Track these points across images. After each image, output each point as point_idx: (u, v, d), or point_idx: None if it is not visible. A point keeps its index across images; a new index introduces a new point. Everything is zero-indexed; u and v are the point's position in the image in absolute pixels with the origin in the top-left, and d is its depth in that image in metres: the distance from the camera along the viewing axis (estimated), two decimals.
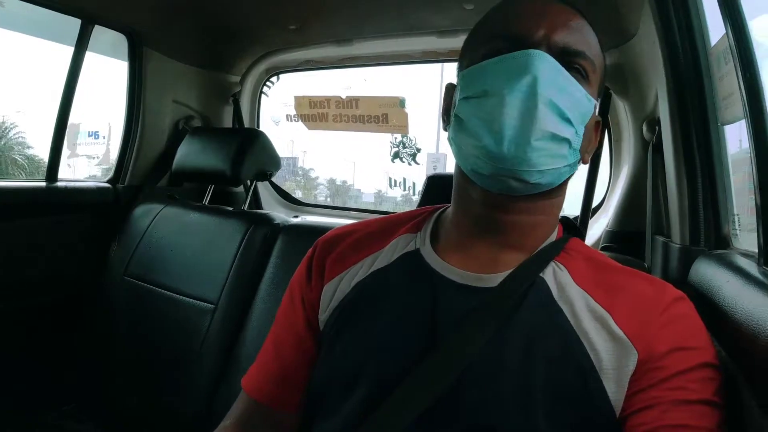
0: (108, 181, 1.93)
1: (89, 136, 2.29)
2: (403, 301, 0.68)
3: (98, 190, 1.85)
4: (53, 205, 1.71)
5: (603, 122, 1.45)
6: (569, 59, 0.63)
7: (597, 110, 0.68)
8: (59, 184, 1.73)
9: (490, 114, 0.60)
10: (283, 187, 2.38)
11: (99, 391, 1.55)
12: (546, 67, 0.60)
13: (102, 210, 1.83)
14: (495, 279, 0.65)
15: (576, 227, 0.76)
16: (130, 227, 1.73)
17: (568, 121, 0.61)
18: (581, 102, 0.63)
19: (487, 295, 0.64)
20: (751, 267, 0.73)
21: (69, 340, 1.67)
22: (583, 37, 0.65)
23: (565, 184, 0.69)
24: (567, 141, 0.62)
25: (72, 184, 1.79)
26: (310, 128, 2.42)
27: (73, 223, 1.75)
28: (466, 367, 0.60)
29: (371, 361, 0.65)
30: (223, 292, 1.45)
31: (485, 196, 0.66)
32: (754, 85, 0.74)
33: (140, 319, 1.54)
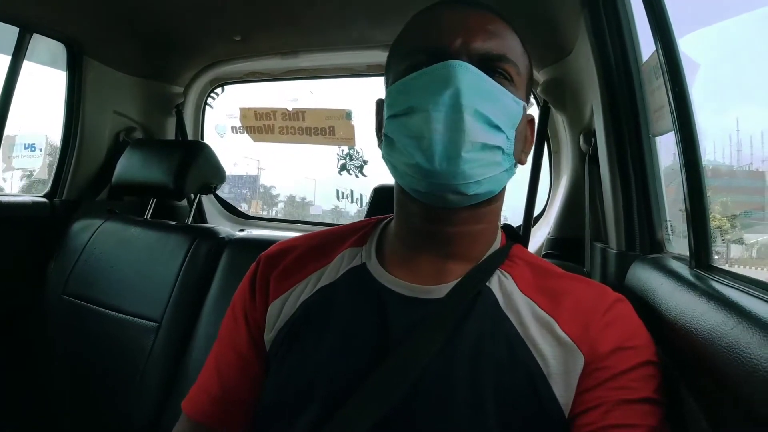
0: (44, 195, 1.84)
1: (25, 148, 2.18)
2: (351, 317, 0.67)
3: (34, 205, 1.77)
4: None
5: (542, 134, 1.52)
6: (492, 65, 0.63)
7: (526, 110, 0.68)
8: None
9: (418, 131, 0.60)
10: (251, 206, 2.33)
11: (37, 414, 1.47)
12: (467, 76, 0.60)
13: (38, 226, 1.74)
14: (442, 290, 0.66)
15: (518, 234, 0.78)
16: (68, 243, 1.66)
17: (497, 128, 0.62)
18: (509, 106, 0.63)
19: (434, 306, 0.65)
20: (683, 269, 0.77)
21: (4, 362, 1.57)
22: (504, 41, 0.65)
23: (503, 189, 0.70)
24: (499, 148, 0.62)
25: (5, 198, 1.70)
26: (255, 140, 2.39)
27: (7, 240, 1.66)
28: (417, 378, 0.60)
29: (321, 379, 0.64)
30: (167, 310, 1.41)
31: (425, 210, 0.67)
32: (682, 98, 0.79)
33: (80, 340, 1.47)
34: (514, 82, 0.65)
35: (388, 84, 0.70)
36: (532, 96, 1.75)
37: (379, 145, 0.71)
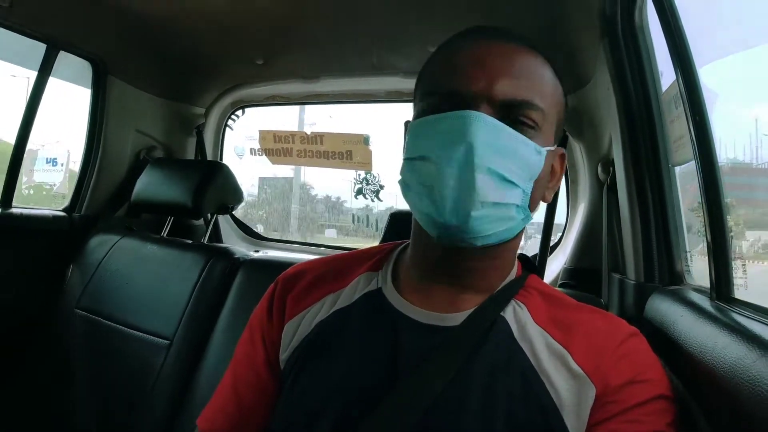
0: (64, 210, 1.87)
1: (47, 162, 2.23)
2: (365, 341, 0.67)
3: (53, 219, 1.79)
4: (6, 231, 1.65)
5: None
6: (514, 114, 0.60)
7: (552, 151, 0.66)
8: (14, 210, 1.67)
9: (430, 182, 0.60)
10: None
11: (46, 427, 1.46)
12: (483, 131, 0.58)
13: (56, 239, 1.77)
14: (457, 318, 0.65)
15: (534, 264, 0.77)
16: (85, 258, 1.68)
17: (512, 183, 0.60)
18: (528, 159, 0.61)
19: (449, 333, 0.64)
20: (704, 301, 0.76)
21: (16, 373, 1.58)
22: (532, 83, 0.62)
23: (521, 231, 0.68)
24: (512, 204, 0.61)
25: (26, 211, 1.73)
26: (274, 162, 2.42)
27: (26, 252, 1.69)
28: (430, 405, 0.59)
29: (333, 401, 0.63)
30: (179, 328, 1.41)
31: (440, 245, 0.66)
32: (702, 127, 0.78)
33: (91, 355, 1.48)
34: (540, 128, 0.62)
35: (413, 112, 0.69)
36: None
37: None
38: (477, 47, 0.64)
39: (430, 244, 0.67)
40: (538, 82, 0.63)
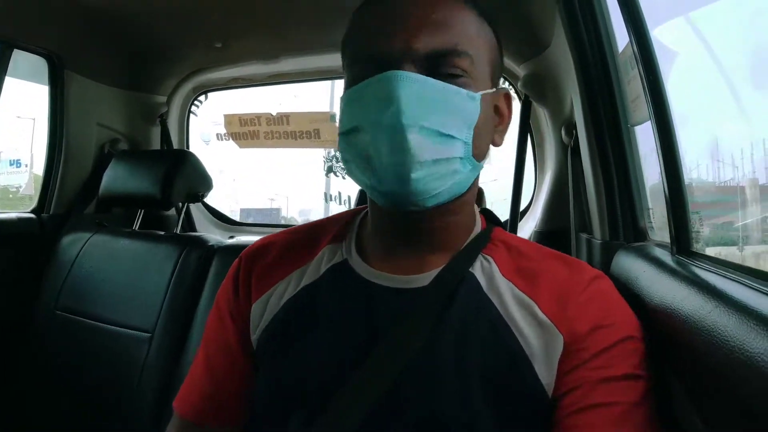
0: (32, 211, 1.83)
1: (11, 164, 2.17)
2: (338, 314, 0.67)
3: (21, 222, 1.75)
4: None
5: (524, 128, 1.53)
6: (439, 64, 0.59)
7: (495, 85, 0.66)
8: None
9: (366, 152, 0.59)
10: None
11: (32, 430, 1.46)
12: (408, 90, 0.57)
13: (26, 242, 1.73)
14: (425, 279, 0.66)
15: (497, 217, 0.77)
16: (58, 258, 1.65)
17: (450, 137, 0.59)
18: (462, 107, 0.60)
19: (418, 294, 0.65)
20: (665, 256, 0.78)
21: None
22: (453, 29, 0.61)
23: (475, 180, 0.68)
24: (454, 158, 0.60)
25: None
26: (241, 146, 2.39)
27: None
28: (405, 365, 0.60)
29: (313, 377, 0.64)
30: (159, 320, 1.40)
31: (396, 211, 0.66)
32: (656, 87, 0.80)
33: (74, 354, 1.47)
34: (470, 73, 0.61)
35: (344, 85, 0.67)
36: (509, 87, 1.77)
37: None
38: (391, 3, 0.62)
39: (386, 211, 0.67)
40: (461, 26, 0.62)
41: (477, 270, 0.67)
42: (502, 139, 0.70)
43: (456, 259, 0.67)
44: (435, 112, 0.58)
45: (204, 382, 0.75)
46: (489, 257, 0.68)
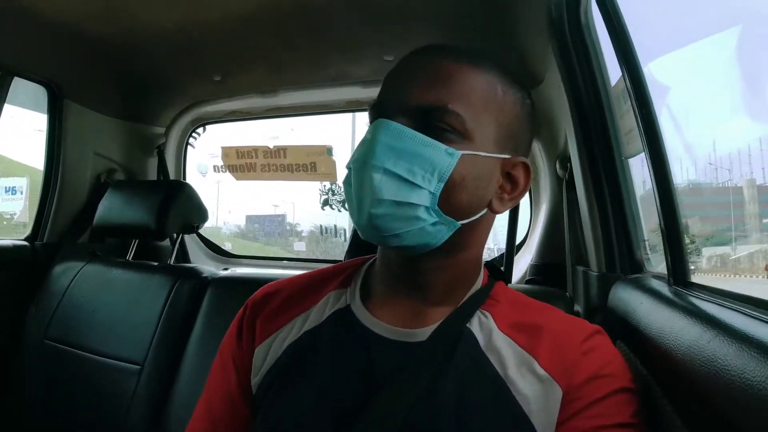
0: (25, 239, 1.82)
1: (6, 192, 2.17)
2: (337, 360, 0.67)
3: (15, 249, 1.74)
4: None
5: None
6: (429, 119, 0.62)
7: (511, 152, 0.66)
8: None
9: (347, 187, 0.65)
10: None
11: None
12: (385, 135, 0.61)
13: (19, 269, 1.71)
14: (424, 333, 0.66)
15: (500, 271, 0.78)
16: (49, 287, 1.64)
17: (413, 184, 0.60)
18: (434, 159, 0.61)
19: (417, 349, 0.65)
20: (662, 287, 0.78)
21: None
22: (448, 89, 0.62)
23: (470, 238, 0.68)
24: (415, 204, 0.61)
25: None
26: (238, 179, 2.40)
27: None
28: (403, 422, 0.60)
29: (309, 424, 0.63)
30: (150, 352, 1.38)
31: (397, 256, 0.68)
32: (649, 120, 0.81)
33: (62, 386, 1.44)
34: (461, 132, 0.62)
35: None
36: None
37: None
38: (406, 62, 0.67)
39: (391, 256, 0.69)
40: (459, 89, 0.63)
41: (475, 326, 0.67)
42: (504, 207, 0.69)
43: (454, 315, 0.67)
44: (404, 159, 0.61)
45: (205, 430, 0.74)
46: (487, 312, 0.68)
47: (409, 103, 0.63)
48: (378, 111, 0.64)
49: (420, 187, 0.61)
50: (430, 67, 0.64)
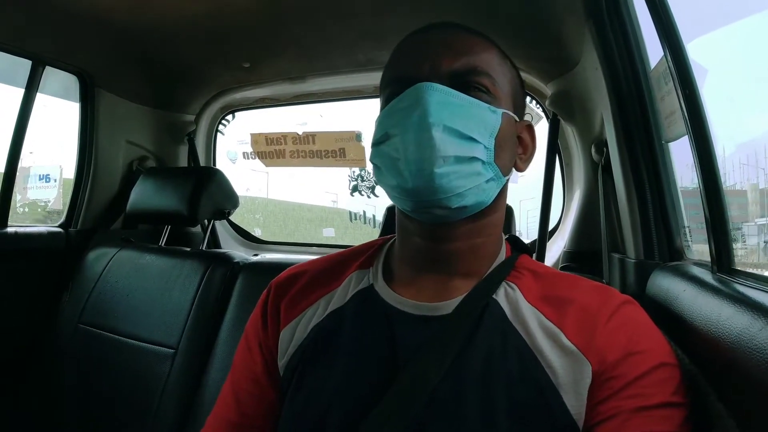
0: (59, 226, 1.86)
1: (40, 179, 2.22)
2: (361, 340, 0.67)
3: (49, 236, 1.79)
4: (2, 252, 1.64)
5: (552, 147, 1.51)
6: (463, 80, 0.65)
7: (513, 118, 0.69)
8: (9, 230, 1.66)
9: (394, 154, 0.63)
10: None
11: None
12: (434, 95, 0.62)
13: (54, 256, 1.76)
14: (449, 306, 0.66)
15: (524, 244, 0.77)
16: (84, 273, 1.67)
17: (471, 139, 0.62)
18: (483, 117, 0.64)
19: (442, 323, 0.64)
20: (705, 275, 0.76)
21: (20, 394, 1.57)
22: (474, 56, 0.66)
23: (498, 200, 0.70)
24: (476, 159, 0.63)
25: (22, 229, 1.72)
26: (267, 165, 2.41)
27: (23, 270, 1.68)
28: (429, 397, 0.59)
29: (336, 405, 0.63)
30: (183, 336, 1.40)
31: (422, 228, 0.68)
32: (693, 102, 0.78)
33: (97, 369, 1.47)
34: (492, 93, 0.66)
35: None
36: (536, 107, 1.76)
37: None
38: (423, 38, 0.69)
39: (413, 230, 0.69)
40: (482, 54, 0.67)
41: (501, 297, 0.66)
42: (525, 165, 0.73)
43: (480, 286, 0.67)
44: (457, 116, 0.62)
45: (231, 412, 0.75)
46: (513, 284, 0.68)
47: (441, 70, 0.64)
48: (407, 83, 0.64)
49: (478, 141, 0.63)
50: (453, 38, 0.68)
